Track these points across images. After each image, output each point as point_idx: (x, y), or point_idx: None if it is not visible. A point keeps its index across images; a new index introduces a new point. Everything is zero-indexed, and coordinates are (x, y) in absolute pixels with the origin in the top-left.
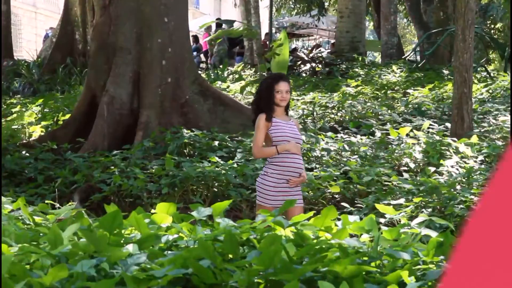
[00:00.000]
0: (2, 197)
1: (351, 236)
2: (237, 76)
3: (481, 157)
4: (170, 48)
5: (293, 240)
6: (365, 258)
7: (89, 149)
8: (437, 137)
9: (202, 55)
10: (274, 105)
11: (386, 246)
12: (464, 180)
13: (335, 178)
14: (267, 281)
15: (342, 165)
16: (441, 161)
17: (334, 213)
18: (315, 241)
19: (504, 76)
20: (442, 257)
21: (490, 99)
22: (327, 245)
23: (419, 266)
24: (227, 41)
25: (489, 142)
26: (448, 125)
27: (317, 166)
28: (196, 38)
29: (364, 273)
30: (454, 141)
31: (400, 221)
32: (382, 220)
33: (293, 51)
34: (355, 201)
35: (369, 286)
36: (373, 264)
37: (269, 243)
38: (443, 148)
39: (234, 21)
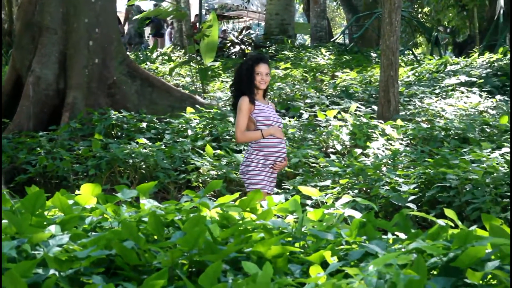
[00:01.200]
0: None
1: (278, 217)
2: (166, 57)
3: (406, 139)
4: (97, 29)
5: (218, 221)
6: (290, 239)
7: (13, 130)
8: (364, 120)
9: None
10: (254, 88)
11: (310, 227)
12: (389, 162)
13: None
14: (191, 262)
15: None
16: (368, 143)
17: (259, 195)
18: (240, 222)
19: (430, 59)
20: (364, 237)
21: (416, 82)
22: (252, 226)
23: (342, 247)
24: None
25: (415, 125)
26: (375, 107)
27: (245, 148)
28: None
29: (288, 253)
30: (381, 123)
31: (326, 203)
32: (309, 202)
33: (223, 33)
34: (282, 183)
35: (293, 266)
36: (297, 244)
37: (194, 224)
38: (369, 130)
39: (163, 0)
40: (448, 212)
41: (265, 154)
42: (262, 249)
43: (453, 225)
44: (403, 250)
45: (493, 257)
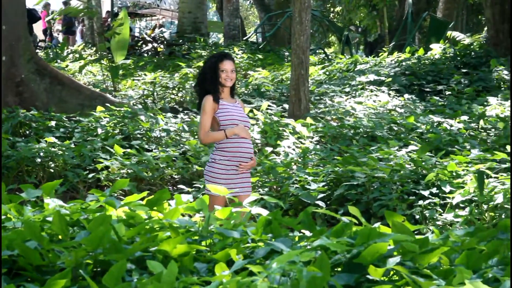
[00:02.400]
0: None
1: (190, 216)
2: (77, 55)
3: (316, 137)
4: (4, 26)
5: (124, 221)
6: (196, 238)
7: None
8: (275, 118)
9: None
10: (219, 86)
11: (217, 225)
12: (300, 160)
13: (174, 158)
14: (96, 262)
15: (181, 145)
16: (278, 142)
17: (167, 194)
18: (146, 221)
19: (340, 58)
20: (270, 235)
21: (327, 81)
22: (158, 224)
23: (248, 244)
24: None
25: (325, 123)
26: (287, 106)
27: (157, 146)
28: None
29: (194, 252)
30: (292, 121)
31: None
32: None
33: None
34: (193, 182)
35: (199, 265)
36: (203, 243)
37: (99, 223)
38: (280, 128)
39: None
40: (352, 210)
41: (229, 154)
42: (168, 247)
43: (357, 222)
44: (308, 247)
45: (395, 253)
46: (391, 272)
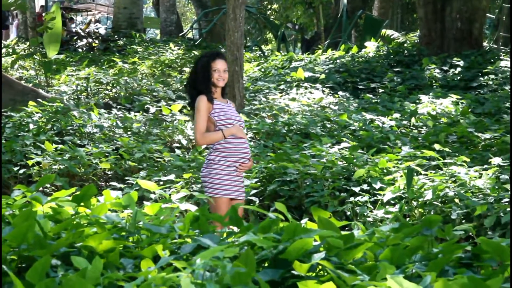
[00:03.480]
0: None
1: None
2: (10, 50)
3: (251, 134)
4: None
5: (51, 216)
6: (124, 233)
7: None
8: None
9: None
10: (212, 85)
11: (146, 221)
12: None
13: (107, 154)
14: (20, 258)
15: (114, 141)
16: None
17: (93, 190)
18: (73, 217)
19: (276, 55)
20: (197, 231)
21: (262, 78)
22: (86, 220)
23: (175, 240)
24: None
25: (259, 120)
26: None
27: (90, 142)
28: None
29: (121, 247)
30: None
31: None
32: (153, 196)
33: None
34: (126, 178)
35: (125, 261)
36: (131, 239)
37: (24, 219)
38: None
39: None
40: (279, 206)
41: (228, 155)
42: (93, 243)
43: (283, 218)
44: (236, 243)
45: (321, 249)
46: (318, 268)
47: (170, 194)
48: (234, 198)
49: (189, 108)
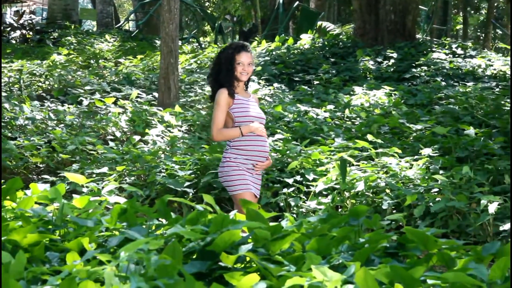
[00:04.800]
0: None
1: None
2: None
3: (185, 126)
4: None
5: None
6: (50, 227)
7: None
8: (144, 107)
9: None
10: (234, 79)
11: (73, 215)
12: (168, 148)
13: (39, 147)
14: None
15: (47, 134)
16: (147, 130)
17: (19, 183)
18: None
19: (212, 47)
20: (125, 223)
21: (198, 70)
22: (12, 214)
23: (102, 233)
24: None
25: (194, 112)
26: (156, 94)
27: (21, 135)
28: None
29: (47, 241)
30: (160, 110)
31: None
32: (85, 189)
33: None
34: (58, 172)
35: (51, 254)
36: (57, 232)
37: None
38: (149, 117)
39: None
40: (207, 198)
41: (245, 153)
42: (18, 237)
43: (211, 210)
44: (165, 235)
45: (249, 240)
46: (246, 259)
47: (102, 187)
48: (255, 194)
49: (210, 101)
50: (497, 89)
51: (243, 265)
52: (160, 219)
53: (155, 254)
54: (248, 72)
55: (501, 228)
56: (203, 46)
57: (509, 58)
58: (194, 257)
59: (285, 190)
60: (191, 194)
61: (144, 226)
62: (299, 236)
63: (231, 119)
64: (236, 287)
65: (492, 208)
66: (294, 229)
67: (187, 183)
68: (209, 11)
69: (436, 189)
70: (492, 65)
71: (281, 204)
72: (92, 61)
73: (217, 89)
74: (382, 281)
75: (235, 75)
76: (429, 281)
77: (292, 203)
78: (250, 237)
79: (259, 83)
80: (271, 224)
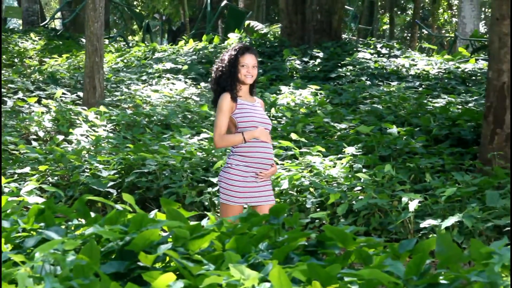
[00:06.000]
0: None
1: None
2: None
3: (110, 126)
4: None
5: None
6: None
7: None
8: (69, 106)
9: None
10: (238, 83)
11: None
12: (92, 148)
13: None
14: None
15: None
16: (71, 130)
17: None
18: None
19: (139, 46)
20: (42, 224)
21: (124, 69)
22: None
23: (19, 234)
24: None
25: (119, 111)
26: (82, 94)
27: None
28: None
29: None
30: (85, 109)
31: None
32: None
33: None
34: None
35: None
36: None
37: None
38: (73, 116)
39: None
40: (126, 197)
41: (248, 160)
42: None
43: (131, 210)
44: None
45: (170, 240)
46: (166, 259)
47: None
48: (254, 205)
49: (212, 106)
50: (420, 89)
51: (163, 265)
52: (79, 219)
53: (73, 255)
54: (253, 75)
55: (421, 225)
56: (130, 45)
57: (432, 58)
58: (113, 257)
59: (210, 189)
60: (115, 194)
61: (62, 227)
62: (219, 235)
63: (234, 124)
64: (152, 287)
65: (413, 206)
66: (214, 228)
67: (111, 183)
68: (137, 10)
69: (359, 188)
70: (416, 65)
71: (206, 203)
72: (16, 60)
73: (220, 93)
74: (300, 279)
75: (238, 78)
76: (346, 278)
77: (217, 202)
78: (170, 236)
79: (185, 82)
80: (193, 223)
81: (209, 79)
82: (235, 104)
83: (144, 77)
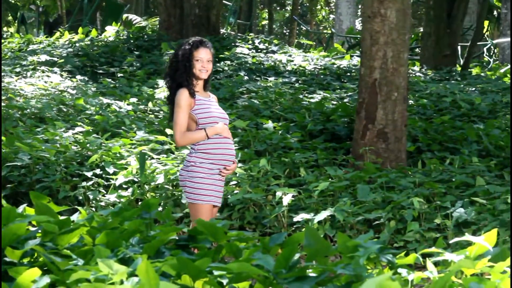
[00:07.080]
0: None
1: None
2: None
3: None
4: None
5: None
6: None
7: None
8: None
9: None
10: (193, 78)
11: None
12: None
13: None
14: None
15: None
16: None
17: None
18: None
19: (13, 38)
20: None
21: None
22: None
23: None
24: None
25: None
26: None
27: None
28: None
29: None
30: None
31: None
32: None
33: None
34: None
35: None
36: None
37: None
38: None
39: None
40: None
41: (212, 156)
42: None
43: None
44: None
45: (38, 234)
46: (35, 254)
47: None
48: (216, 204)
49: (167, 103)
50: (297, 84)
51: (32, 260)
52: None
53: None
54: (208, 70)
55: (294, 219)
56: (4, 36)
57: (309, 54)
58: None
59: (84, 183)
60: None
61: None
62: (89, 229)
63: (193, 121)
64: (16, 283)
65: (286, 200)
66: (84, 223)
67: None
68: (12, 1)
69: (235, 182)
70: (293, 61)
71: (80, 198)
72: None
73: (176, 89)
74: (170, 273)
75: (193, 72)
76: (216, 272)
77: (91, 197)
78: (39, 231)
79: (61, 75)
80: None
81: (163, 75)
82: (194, 100)
83: (18, 69)
